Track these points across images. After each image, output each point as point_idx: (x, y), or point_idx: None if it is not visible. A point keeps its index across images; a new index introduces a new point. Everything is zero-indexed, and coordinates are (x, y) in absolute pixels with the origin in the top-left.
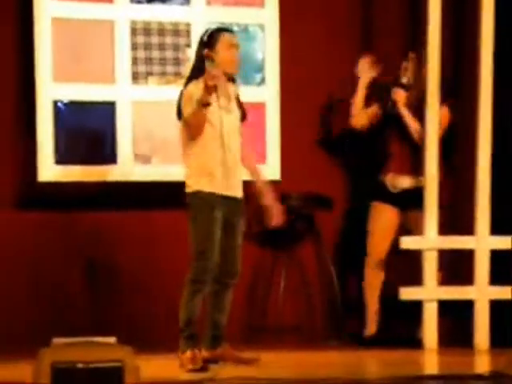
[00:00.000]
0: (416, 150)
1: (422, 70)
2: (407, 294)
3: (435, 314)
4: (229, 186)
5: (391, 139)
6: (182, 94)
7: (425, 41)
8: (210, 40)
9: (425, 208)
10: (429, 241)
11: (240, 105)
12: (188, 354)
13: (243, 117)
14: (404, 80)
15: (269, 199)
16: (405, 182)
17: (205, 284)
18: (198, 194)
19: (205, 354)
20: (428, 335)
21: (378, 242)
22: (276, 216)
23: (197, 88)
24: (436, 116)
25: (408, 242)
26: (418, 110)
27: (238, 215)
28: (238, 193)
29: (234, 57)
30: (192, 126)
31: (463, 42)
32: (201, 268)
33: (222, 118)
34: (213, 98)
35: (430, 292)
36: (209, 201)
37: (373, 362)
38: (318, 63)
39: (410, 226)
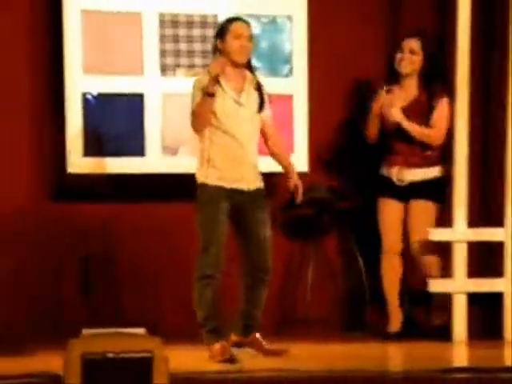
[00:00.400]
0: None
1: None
2: (436, 286)
3: (464, 307)
4: (238, 179)
5: (392, 134)
6: (193, 84)
7: (454, 31)
8: (221, 31)
9: (453, 200)
10: (458, 233)
11: (260, 95)
12: (217, 346)
13: (260, 108)
14: (400, 69)
15: (295, 179)
16: (412, 174)
17: (212, 278)
18: (204, 187)
19: (234, 338)
20: (457, 328)
21: (389, 236)
22: (299, 195)
23: (204, 79)
24: (466, 107)
25: (437, 234)
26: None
27: (254, 207)
28: (252, 185)
29: (241, 46)
30: (196, 116)
31: (493, 31)
32: (205, 263)
33: (231, 109)
34: (218, 89)
35: (459, 284)
36: (214, 194)
37: (401, 354)
38: (346, 54)
39: (409, 218)
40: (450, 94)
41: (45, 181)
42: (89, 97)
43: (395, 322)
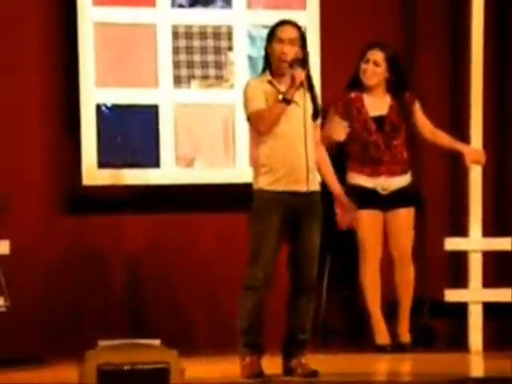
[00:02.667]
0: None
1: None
2: (452, 295)
3: (480, 316)
4: (293, 180)
5: (370, 143)
6: (244, 90)
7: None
8: (269, 35)
9: (469, 209)
10: (474, 242)
11: (313, 98)
12: (247, 360)
13: (315, 113)
14: (364, 81)
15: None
16: (395, 183)
17: (256, 291)
18: (258, 193)
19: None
20: (473, 337)
21: (370, 248)
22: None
23: (257, 81)
24: (479, 117)
25: (453, 243)
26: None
27: (307, 213)
28: (306, 187)
29: (280, 52)
30: (266, 120)
31: (506, 32)
32: (250, 275)
33: (288, 109)
34: (276, 91)
35: (475, 294)
36: (268, 201)
37: (416, 364)
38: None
39: (391, 226)
40: (419, 99)
41: (60, 193)
42: (103, 108)
43: (382, 333)
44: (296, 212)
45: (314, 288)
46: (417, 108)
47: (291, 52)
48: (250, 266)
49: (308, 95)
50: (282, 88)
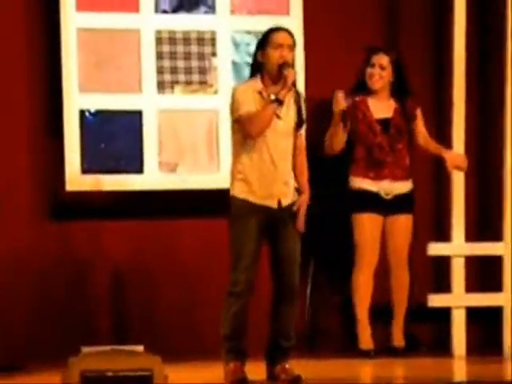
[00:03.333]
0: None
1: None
2: (435, 301)
3: (463, 321)
4: (267, 195)
5: (373, 145)
6: (233, 94)
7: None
8: (262, 41)
9: (452, 214)
10: (456, 247)
11: (299, 111)
12: (230, 365)
13: (299, 125)
14: (370, 85)
15: (300, 206)
16: (398, 187)
17: (239, 297)
18: (233, 200)
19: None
20: (456, 342)
21: (368, 252)
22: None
23: (248, 87)
24: (462, 121)
25: (436, 249)
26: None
27: (284, 223)
28: (283, 201)
29: (279, 57)
30: (258, 122)
31: (488, 36)
32: (233, 281)
33: (272, 122)
34: (260, 101)
35: (458, 299)
36: (243, 209)
37: (399, 370)
38: (343, 71)
39: (391, 230)
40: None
41: (43, 199)
42: (87, 114)
43: (366, 338)
44: (272, 221)
45: (296, 293)
46: (418, 114)
47: (289, 57)
48: (232, 272)
49: (293, 106)
50: (273, 97)
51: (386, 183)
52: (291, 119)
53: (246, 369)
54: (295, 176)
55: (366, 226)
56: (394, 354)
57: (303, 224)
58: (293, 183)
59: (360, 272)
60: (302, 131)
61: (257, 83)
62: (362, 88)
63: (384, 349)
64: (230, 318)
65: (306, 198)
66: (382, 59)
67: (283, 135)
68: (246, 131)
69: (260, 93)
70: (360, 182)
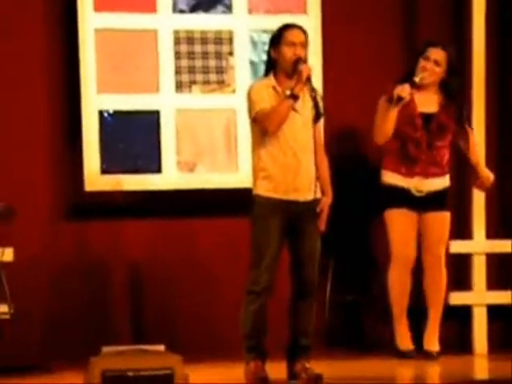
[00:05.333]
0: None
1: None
2: (456, 298)
3: (485, 319)
4: (291, 189)
5: (408, 141)
6: (248, 93)
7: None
8: (274, 39)
9: (472, 212)
10: (478, 245)
11: (316, 105)
12: (251, 365)
13: (316, 118)
14: (416, 79)
15: (323, 207)
16: (431, 185)
17: (258, 295)
18: (256, 199)
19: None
20: (478, 340)
21: (403, 249)
22: (322, 223)
23: (261, 86)
24: (482, 120)
25: (457, 246)
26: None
27: (307, 219)
28: (306, 196)
29: (293, 54)
30: (274, 118)
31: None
32: (253, 279)
33: (288, 119)
34: (278, 97)
35: (479, 297)
36: (267, 207)
37: (421, 367)
38: (361, 69)
39: (425, 228)
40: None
41: (63, 199)
42: (105, 114)
43: (405, 339)
44: (295, 218)
45: (314, 291)
46: (471, 137)
47: (302, 55)
48: (253, 271)
49: (309, 99)
50: (288, 92)
51: (416, 180)
52: (308, 112)
53: (267, 368)
54: (318, 174)
55: (398, 221)
56: (429, 358)
57: (325, 225)
58: (316, 180)
59: (396, 269)
60: (320, 125)
61: (270, 80)
62: (408, 79)
63: (417, 352)
64: (250, 317)
65: (328, 199)
66: (439, 54)
67: (301, 128)
68: (263, 128)
69: (274, 88)
70: (391, 177)
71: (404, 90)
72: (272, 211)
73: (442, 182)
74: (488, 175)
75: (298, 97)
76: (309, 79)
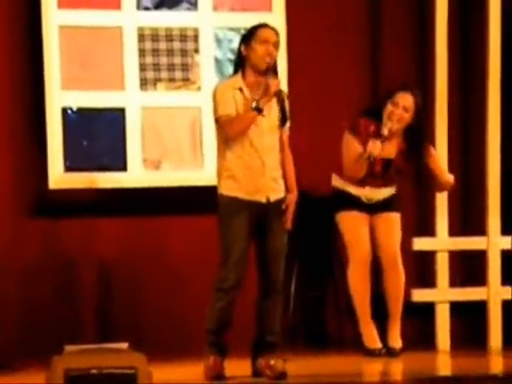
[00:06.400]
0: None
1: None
2: (420, 295)
3: (447, 316)
4: (254, 190)
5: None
6: (213, 94)
7: (433, 48)
8: (246, 36)
9: (435, 209)
10: (441, 242)
11: (282, 109)
12: (210, 360)
13: (283, 122)
14: (385, 132)
15: (288, 204)
16: (380, 194)
17: (226, 292)
18: (221, 198)
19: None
20: (441, 337)
21: (359, 249)
22: (289, 221)
23: (227, 86)
24: (445, 120)
25: (420, 243)
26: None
27: (272, 219)
28: (270, 196)
29: (265, 51)
30: (237, 126)
31: (471, 46)
32: (222, 277)
33: (255, 121)
34: (241, 98)
35: (442, 294)
36: (232, 206)
37: (383, 365)
38: (325, 67)
39: (378, 229)
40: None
41: (27, 197)
42: (69, 112)
43: (371, 337)
44: (260, 217)
45: (280, 289)
46: (432, 153)
47: (275, 54)
48: (221, 269)
49: (276, 104)
50: (255, 96)
51: (367, 190)
52: (274, 116)
53: (231, 364)
54: (283, 172)
55: (351, 222)
56: (392, 355)
57: (291, 222)
58: (281, 180)
59: (354, 270)
60: (286, 128)
61: (237, 80)
62: (374, 115)
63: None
64: (216, 314)
65: (294, 196)
66: (408, 100)
67: (267, 131)
68: (224, 133)
69: (240, 89)
70: (342, 183)
71: (375, 148)
72: (237, 210)
73: (389, 191)
74: (448, 180)
75: (262, 110)
76: (276, 94)
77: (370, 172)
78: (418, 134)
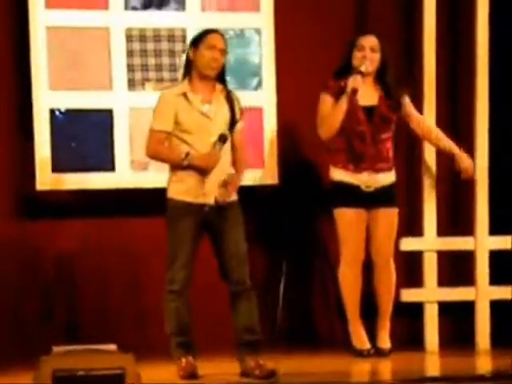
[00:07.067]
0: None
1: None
2: (408, 295)
3: (436, 316)
4: (201, 193)
5: (355, 137)
6: (157, 101)
7: (421, 41)
8: (195, 40)
9: (423, 209)
10: (428, 242)
11: (231, 109)
12: (182, 361)
13: (232, 122)
14: (363, 68)
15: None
16: (379, 180)
17: (177, 294)
18: (170, 202)
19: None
20: (429, 337)
21: (353, 246)
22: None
23: (170, 95)
24: (433, 115)
25: (408, 243)
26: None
27: (222, 221)
28: (219, 198)
29: (213, 58)
30: (154, 153)
31: (458, 39)
32: (170, 279)
33: (198, 123)
34: (184, 103)
35: (430, 293)
36: (179, 209)
37: (372, 365)
38: (314, 66)
39: (374, 225)
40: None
41: (14, 198)
42: (57, 113)
43: (360, 338)
44: (209, 221)
45: (249, 288)
46: (407, 102)
47: (221, 60)
48: (168, 270)
49: (225, 106)
50: (198, 99)
51: (365, 175)
52: (223, 119)
53: (221, 366)
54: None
55: (349, 219)
56: (381, 356)
57: (224, 195)
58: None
59: (346, 268)
60: (239, 130)
61: (183, 86)
62: (344, 73)
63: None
64: (173, 315)
65: (239, 175)
66: (373, 41)
67: (213, 134)
68: (146, 145)
69: (185, 95)
70: (340, 174)
71: (357, 82)
72: (184, 213)
73: (389, 177)
74: (465, 155)
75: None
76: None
77: (359, 136)
78: (389, 77)
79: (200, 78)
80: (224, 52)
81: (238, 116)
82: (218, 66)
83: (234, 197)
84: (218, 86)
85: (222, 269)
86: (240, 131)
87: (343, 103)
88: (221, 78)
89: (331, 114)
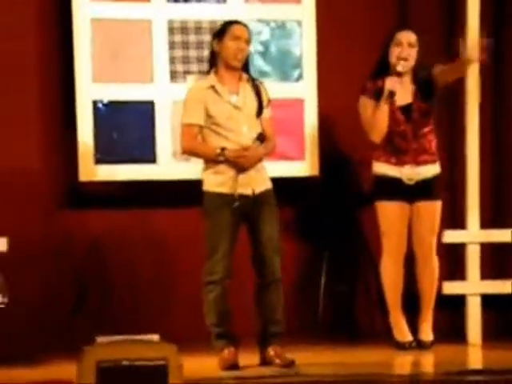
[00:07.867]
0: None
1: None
2: (450, 288)
3: (478, 309)
4: (238, 184)
5: (396, 132)
6: (185, 96)
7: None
8: (219, 32)
9: (466, 201)
10: (472, 234)
11: (259, 99)
12: (224, 352)
13: (259, 111)
14: (399, 68)
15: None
16: (421, 172)
17: (215, 285)
18: (206, 194)
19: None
20: (471, 330)
21: (395, 242)
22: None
23: (198, 89)
24: (476, 109)
25: (451, 236)
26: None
27: (260, 210)
28: (257, 189)
29: (236, 48)
30: (191, 151)
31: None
32: (208, 270)
33: (228, 113)
34: (218, 96)
35: (473, 286)
36: (217, 201)
37: (413, 357)
38: (355, 58)
39: (416, 218)
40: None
41: (57, 189)
42: (99, 105)
43: (402, 330)
44: (247, 210)
45: (278, 280)
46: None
47: (246, 51)
48: (208, 262)
49: (252, 94)
50: (226, 91)
51: (407, 168)
52: (250, 107)
53: (241, 354)
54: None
55: (391, 213)
56: (423, 348)
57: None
58: (265, 171)
59: (388, 261)
60: (266, 118)
61: (210, 79)
62: (383, 71)
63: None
64: (212, 306)
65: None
66: (411, 37)
67: (244, 124)
68: (180, 141)
69: (213, 87)
70: (382, 167)
71: (393, 83)
72: (221, 205)
73: (433, 169)
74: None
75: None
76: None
77: (400, 135)
78: (427, 69)
79: (226, 69)
80: (248, 42)
81: (265, 103)
82: (243, 57)
83: (267, 186)
84: (244, 76)
85: (255, 259)
86: (268, 119)
87: (383, 107)
88: (245, 67)
89: (376, 118)
